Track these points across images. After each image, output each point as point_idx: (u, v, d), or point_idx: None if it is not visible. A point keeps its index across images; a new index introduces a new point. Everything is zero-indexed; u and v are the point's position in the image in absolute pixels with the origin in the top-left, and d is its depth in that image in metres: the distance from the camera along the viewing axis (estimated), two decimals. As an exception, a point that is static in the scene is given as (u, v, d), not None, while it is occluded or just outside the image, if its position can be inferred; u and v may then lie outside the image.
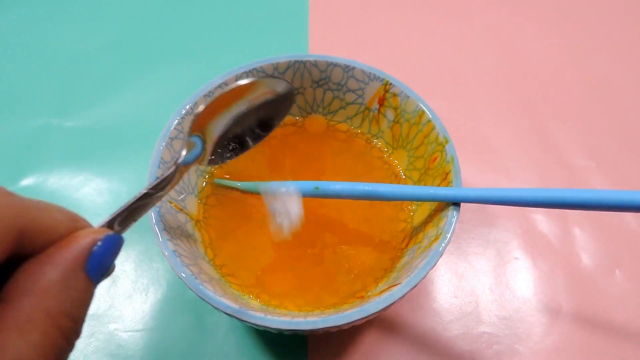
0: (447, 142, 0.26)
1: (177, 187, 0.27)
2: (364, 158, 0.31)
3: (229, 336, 0.28)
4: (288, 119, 0.32)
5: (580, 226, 0.33)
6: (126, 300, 0.30)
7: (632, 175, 0.36)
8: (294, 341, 0.28)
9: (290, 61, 0.30)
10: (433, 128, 0.27)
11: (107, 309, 0.29)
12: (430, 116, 0.27)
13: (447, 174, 0.25)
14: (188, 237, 0.26)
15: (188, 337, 0.28)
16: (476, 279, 0.31)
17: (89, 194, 0.34)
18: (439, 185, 0.26)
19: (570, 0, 0.48)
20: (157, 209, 0.24)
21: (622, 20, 0.47)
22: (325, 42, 0.43)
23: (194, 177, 0.29)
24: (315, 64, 0.30)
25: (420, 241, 0.25)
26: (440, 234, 0.23)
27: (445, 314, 0.30)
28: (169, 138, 0.26)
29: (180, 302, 0.30)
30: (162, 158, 0.26)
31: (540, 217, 0.34)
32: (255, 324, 0.21)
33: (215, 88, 0.28)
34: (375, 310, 0.21)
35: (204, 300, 0.22)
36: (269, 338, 0.28)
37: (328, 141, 0.32)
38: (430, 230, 0.25)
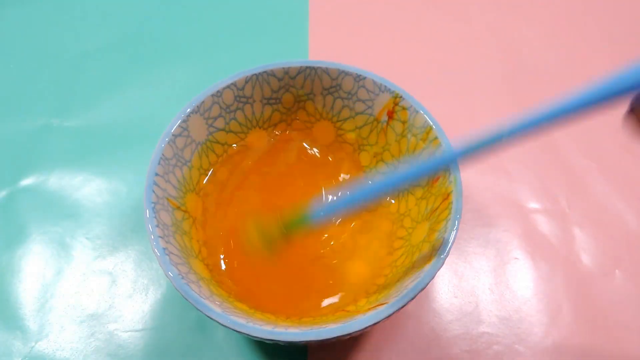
0: None
1: (176, 185, 0.27)
2: (369, 172, 0.31)
3: (229, 336, 0.28)
4: (296, 124, 0.32)
5: (580, 226, 0.33)
6: (126, 300, 0.30)
7: (633, 176, 0.36)
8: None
9: (301, 67, 0.29)
10: (439, 145, 0.27)
11: (107, 309, 0.29)
12: (437, 133, 0.27)
13: (448, 194, 0.25)
14: (183, 234, 0.26)
15: (188, 337, 0.28)
16: (476, 279, 0.31)
17: (89, 194, 0.34)
18: (439, 206, 0.26)
19: (570, 2, 0.48)
20: (153, 205, 0.24)
21: (622, 21, 0.47)
22: (325, 45, 0.43)
23: (196, 175, 0.29)
24: (326, 70, 0.30)
25: (416, 260, 0.25)
26: (435, 255, 0.23)
27: (445, 314, 0.30)
28: (172, 135, 0.26)
29: (180, 302, 0.30)
30: (163, 154, 0.26)
31: (540, 217, 0.34)
32: (236, 330, 0.21)
33: (224, 88, 0.28)
34: (357, 328, 0.21)
35: (187, 300, 0.22)
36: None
37: (335, 152, 0.32)
38: (426, 250, 0.24)
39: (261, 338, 0.21)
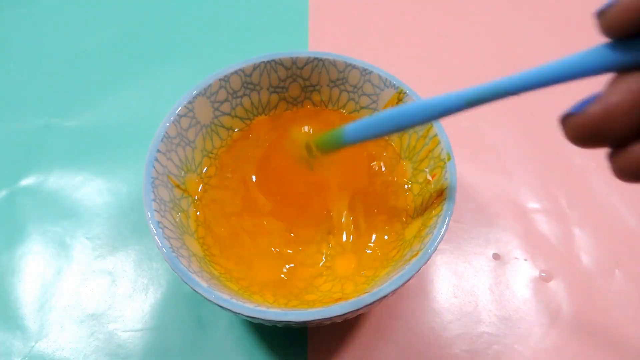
0: (449, 159, 0.26)
1: (178, 163, 0.27)
2: (372, 161, 0.31)
3: (229, 335, 0.28)
4: (301, 113, 0.32)
5: (580, 226, 0.33)
6: (126, 300, 0.30)
7: (632, 175, 0.36)
8: (294, 338, 0.28)
9: (309, 57, 0.30)
10: (438, 143, 0.27)
11: (107, 309, 0.29)
12: (437, 130, 0.27)
13: (442, 190, 0.25)
14: (180, 212, 0.26)
15: (188, 337, 0.28)
16: (476, 279, 0.31)
17: (89, 194, 0.34)
18: (433, 202, 0.26)
19: (570, 1, 0.48)
20: (152, 180, 0.25)
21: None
22: (325, 41, 0.43)
23: (199, 156, 0.29)
24: (333, 63, 0.30)
25: (405, 254, 0.25)
26: (422, 249, 0.23)
27: (445, 314, 0.30)
28: (177, 115, 0.27)
29: (180, 301, 0.30)
30: (167, 132, 0.26)
31: (540, 217, 0.34)
32: (220, 306, 0.21)
33: (232, 73, 0.29)
34: (338, 313, 0.21)
35: (176, 273, 0.22)
36: (269, 335, 0.28)
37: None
38: (415, 245, 0.25)
39: (243, 315, 0.21)
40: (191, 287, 0.22)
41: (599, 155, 0.37)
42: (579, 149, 0.37)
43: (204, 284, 0.22)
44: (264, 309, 0.21)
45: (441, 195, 0.25)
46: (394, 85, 0.29)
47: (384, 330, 0.29)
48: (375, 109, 0.31)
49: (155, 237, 0.23)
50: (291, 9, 0.46)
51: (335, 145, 0.24)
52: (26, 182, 0.35)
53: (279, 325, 0.23)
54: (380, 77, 0.29)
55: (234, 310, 0.21)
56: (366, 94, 0.30)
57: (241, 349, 0.28)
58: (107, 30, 0.44)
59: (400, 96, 0.29)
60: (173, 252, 0.23)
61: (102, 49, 0.43)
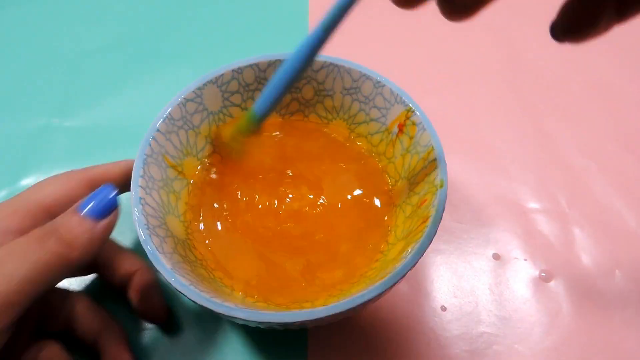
0: (441, 186, 0.25)
1: (178, 145, 0.27)
2: (371, 180, 0.30)
3: (229, 335, 0.28)
4: (312, 117, 0.32)
5: (580, 226, 0.33)
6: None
7: (632, 176, 0.36)
8: (294, 338, 0.28)
9: (325, 62, 0.30)
10: (435, 168, 0.26)
11: (107, 308, 0.29)
12: (436, 155, 0.26)
13: (427, 217, 0.24)
14: (170, 192, 0.26)
15: (187, 336, 0.28)
16: (476, 278, 0.31)
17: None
18: (417, 227, 0.25)
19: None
20: (145, 157, 0.25)
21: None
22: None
23: (202, 142, 0.29)
24: (349, 70, 0.30)
25: (379, 275, 0.24)
26: (390, 272, 0.22)
27: (445, 314, 0.30)
28: (184, 98, 0.27)
29: (180, 301, 0.30)
30: (170, 113, 0.27)
31: (540, 217, 0.34)
32: (178, 290, 0.21)
33: (246, 67, 0.29)
34: (313, 317, 0.21)
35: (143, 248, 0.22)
36: (268, 336, 0.28)
37: (346, 151, 0.31)
38: (390, 267, 0.24)
39: (221, 314, 0.21)
40: (154, 267, 0.22)
41: (600, 156, 0.37)
42: (579, 149, 0.37)
43: (167, 265, 0.22)
44: (243, 308, 0.21)
45: (425, 221, 0.24)
46: (403, 102, 0.28)
47: (384, 330, 0.29)
48: (383, 124, 0.30)
49: (134, 211, 0.23)
50: (291, 9, 0.46)
51: (253, 125, 0.24)
52: (26, 182, 0.35)
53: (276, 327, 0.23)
54: (391, 91, 0.29)
55: (192, 298, 0.21)
56: (377, 106, 0.30)
57: (241, 349, 0.28)
58: (107, 30, 0.44)
59: (409, 114, 0.28)
60: (148, 228, 0.23)
61: (102, 49, 0.43)
